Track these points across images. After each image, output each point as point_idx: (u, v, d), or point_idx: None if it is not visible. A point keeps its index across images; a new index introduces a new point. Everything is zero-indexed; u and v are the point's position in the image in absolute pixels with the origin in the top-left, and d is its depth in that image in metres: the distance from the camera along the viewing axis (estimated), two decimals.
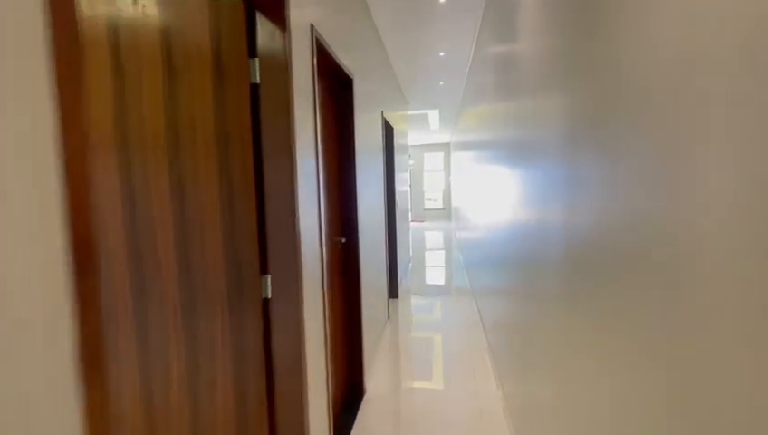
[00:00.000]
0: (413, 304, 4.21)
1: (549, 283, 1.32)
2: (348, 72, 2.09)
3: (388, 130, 4.17)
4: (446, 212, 12.76)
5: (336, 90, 2.21)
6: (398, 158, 4.83)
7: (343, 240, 2.18)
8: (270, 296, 1.31)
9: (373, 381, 2.55)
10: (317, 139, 1.54)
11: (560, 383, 1.23)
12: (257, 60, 1.24)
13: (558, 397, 1.25)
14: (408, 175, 7.00)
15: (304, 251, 1.40)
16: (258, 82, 1.25)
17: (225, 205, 1.11)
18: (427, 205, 13.06)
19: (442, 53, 3.81)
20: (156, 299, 0.82)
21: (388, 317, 3.45)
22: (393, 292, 4.25)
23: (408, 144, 12.34)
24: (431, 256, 7.14)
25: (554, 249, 1.25)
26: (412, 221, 12.78)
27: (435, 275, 5.71)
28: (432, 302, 4.32)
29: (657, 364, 0.66)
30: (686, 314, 0.58)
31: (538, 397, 1.49)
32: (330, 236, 2.04)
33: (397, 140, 4.68)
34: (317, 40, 1.53)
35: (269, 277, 1.30)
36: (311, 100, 1.49)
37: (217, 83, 1.10)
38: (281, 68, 1.27)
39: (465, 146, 5.52)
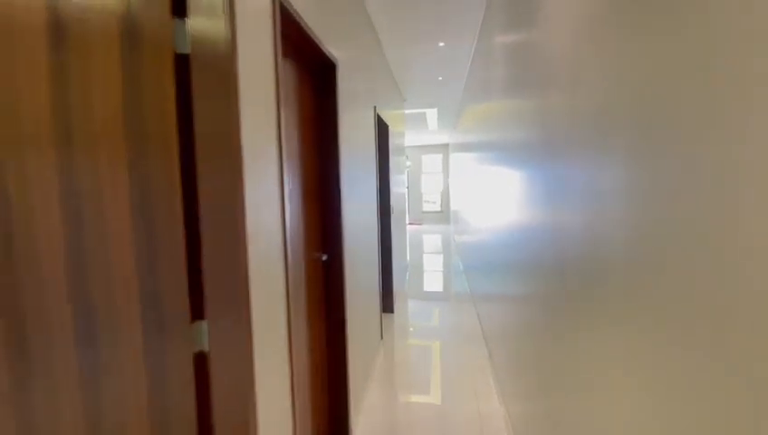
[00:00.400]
0: (410, 313, 3.89)
1: (564, 290, 1.17)
2: (330, 56, 1.74)
3: (383, 129, 3.82)
4: (445, 215, 12.41)
5: (315, 77, 1.85)
6: (394, 159, 4.48)
7: (324, 257, 1.82)
8: (208, 350, 0.95)
9: (363, 417, 2.20)
10: (280, 134, 1.18)
11: (579, 405, 1.07)
12: (186, 21, 0.89)
13: (576, 421, 1.08)
14: (405, 177, 6.66)
15: (261, 283, 1.04)
16: (188, 52, 0.90)
17: (138, 224, 0.76)
18: (425, 207, 12.71)
19: (441, 44, 3.47)
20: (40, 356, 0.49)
21: (382, 337, 3.10)
22: (387, 306, 3.89)
23: (406, 145, 12.01)
24: (429, 262, 6.92)
25: (571, 253, 1.11)
26: (410, 224, 12.42)
27: (433, 281, 5.49)
28: (430, 311, 4.01)
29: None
30: None
31: (551, 418, 1.31)
32: (307, 253, 1.69)
33: (393, 140, 4.33)
34: (281, 4, 1.18)
35: (205, 323, 0.95)
36: (270, 82, 1.14)
37: (128, 55, 0.75)
38: (221, 35, 0.91)
39: (465, 147, 5.20)
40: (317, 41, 1.57)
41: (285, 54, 1.48)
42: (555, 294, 1.26)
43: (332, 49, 1.81)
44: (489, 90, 2.77)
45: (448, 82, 4.88)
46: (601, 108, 0.90)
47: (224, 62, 0.92)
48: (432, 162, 12.48)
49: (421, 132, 9.76)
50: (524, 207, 1.67)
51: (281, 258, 1.18)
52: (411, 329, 3.54)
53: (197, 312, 0.95)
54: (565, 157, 1.14)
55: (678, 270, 0.62)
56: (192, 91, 0.92)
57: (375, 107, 3.02)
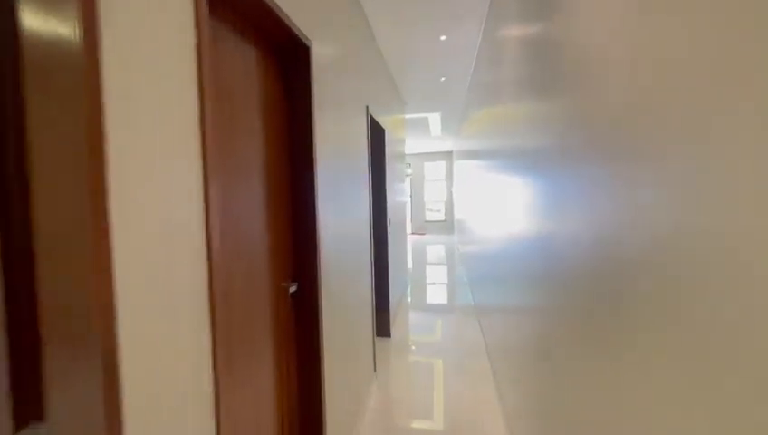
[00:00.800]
0: (411, 327, 3.51)
1: (583, 304, 0.99)
2: (301, 35, 1.39)
3: (378, 133, 3.46)
4: (449, 224, 12.01)
5: (283, 63, 1.50)
6: (394, 166, 4.12)
7: (293, 288, 1.44)
8: None
9: None
10: (203, 127, 0.81)
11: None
12: None
13: None
14: (405, 185, 6.30)
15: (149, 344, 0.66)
16: None
17: None
18: (429, 217, 12.32)
19: (443, 37, 3.12)
20: None
21: (375, 370, 2.70)
22: (383, 329, 3.50)
23: (408, 152, 11.67)
24: (432, 273, 6.64)
25: (589, 265, 0.95)
26: (412, 234, 12.03)
27: (436, 294, 5.23)
28: (432, 325, 3.63)
29: None
30: None
31: None
32: (273, 282, 1.32)
33: (393, 147, 3.97)
34: None
35: (44, 430, 0.57)
36: (187, 49, 0.77)
37: None
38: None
39: (470, 154, 4.85)
40: (281, 14, 1.21)
41: (237, 31, 1.12)
42: (569, 308, 1.10)
43: (305, 27, 1.45)
44: (498, 91, 2.41)
45: (452, 84, 4.53)
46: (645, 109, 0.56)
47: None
48: (435, 170, 12.12)
49: (424, 139, 9.41)
50: (537, 217, 1.46)
51: (200, 304, 0.80)
52: (413, 347, 3.33)
53: (30, 411, 0.57)
54: (588, 162, 0.94)
55: None
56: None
57: (367, 107, 2.67)
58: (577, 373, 1.04)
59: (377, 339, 3.43)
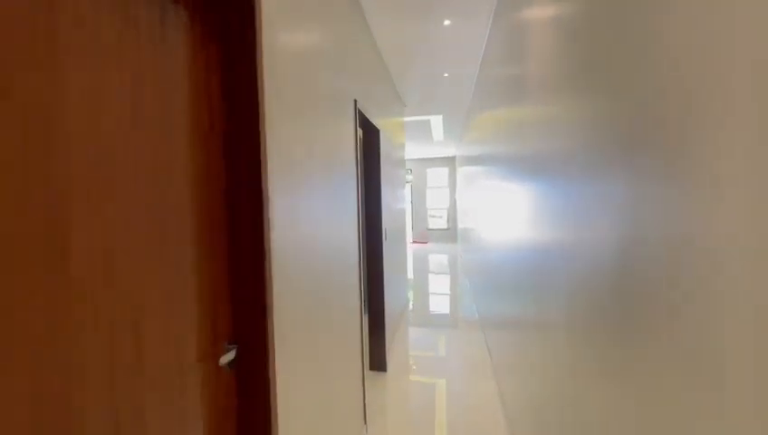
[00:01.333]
0: (412, 358, 3.02)
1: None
2: None
3: (371, 133, 3.01)
4: (452, 233, 11.52)
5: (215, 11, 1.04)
6: (393, 172, 3.66)
7: (229, 356, 0.97)
8: None
9: None
10: None
11: None
12: None
13: None
14: (406, 191, 5.85)
15: None
16: None
17: None
18: (431, 224, 11.85)
19: (447, 22, 2.67)
20: None
21: (365, 422, 2.21)
22: (377, 362, 3.01)
23: (409, 158, 11.21)
24: (434, 285, 6.31)
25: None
26: (414, 242, 11.54)
27: (438, 307, 4.97)
28: (434, 342, 3.15)
29: None
30: None
31: None
32: (199, 354, 0.85)
33: (391, 150, 3.52)
34: None
35: None
36: None
37: None
38: None
39: (475, 159, 4.44)
40: None
41: None
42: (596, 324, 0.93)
43: None
44: (514, 87, 1.97)
45: (456, 81, 4.08)
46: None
47: None
48: (438, 176, 11.67)
49: (425, 145, 8.97)
50: (556, 224, 1.28)
51: None
52: (414, 366, 3.13)
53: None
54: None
55: None
56: None
57: (356, 101, 2.22)
58: (608, 405, 0.86)
59: (369, 374, 2.95)
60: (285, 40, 1.24)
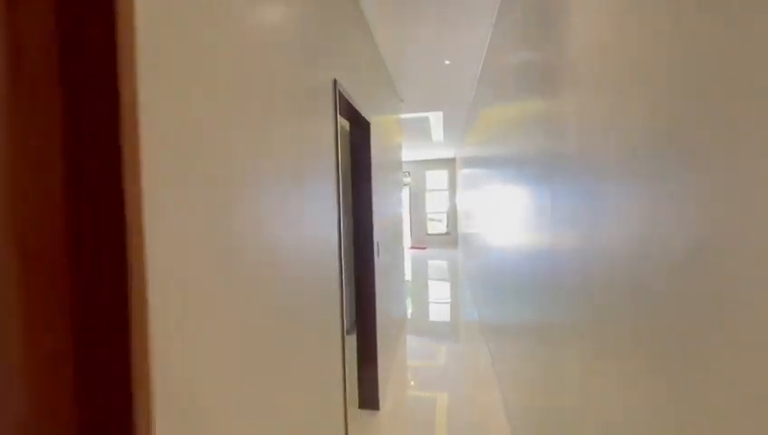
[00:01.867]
0: (410, 352, 2.99)
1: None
2: None
3: (360, 126, 2.53)
4: (452, 238, 11.04)
5: None
6: (385, 173, 3.19)
7: None
8: None
9: None
10: None
11: None
12: None
13: None
14: (403, 195, 5.40)
15: None
16: None
17: None
18: (431, 229, 11.38)
19: None
20: None
21: None
22: (368, 400, 2.52)
23: (407, 160, 10.73)
24: (434, 293, 6.07)
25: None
26: (412, 248, 11.05)
27: (438, 315, 4.73)
28: (435, 353, 3.27)
29: None
30: None
31: None
32: None
33: (387, 152, 3.05)
34: None
35: None
36: None
37: None
38: None
39: (478, 160, 4.05)
40: None
41: None
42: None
43: None
44: (519, 79, 1.52)
45: (458, 70, 3.62)
46: None
47: None
48: (437, 179, 11.21)
49: (424, 146, 8.51)
50: (571, 228, 1.14)
51: None
52: (412, 383, 2.98)
53: None
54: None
55: None
56: None
57: (335, 81, 1.75)
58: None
59: (360, 414, 2.46)
60: None
